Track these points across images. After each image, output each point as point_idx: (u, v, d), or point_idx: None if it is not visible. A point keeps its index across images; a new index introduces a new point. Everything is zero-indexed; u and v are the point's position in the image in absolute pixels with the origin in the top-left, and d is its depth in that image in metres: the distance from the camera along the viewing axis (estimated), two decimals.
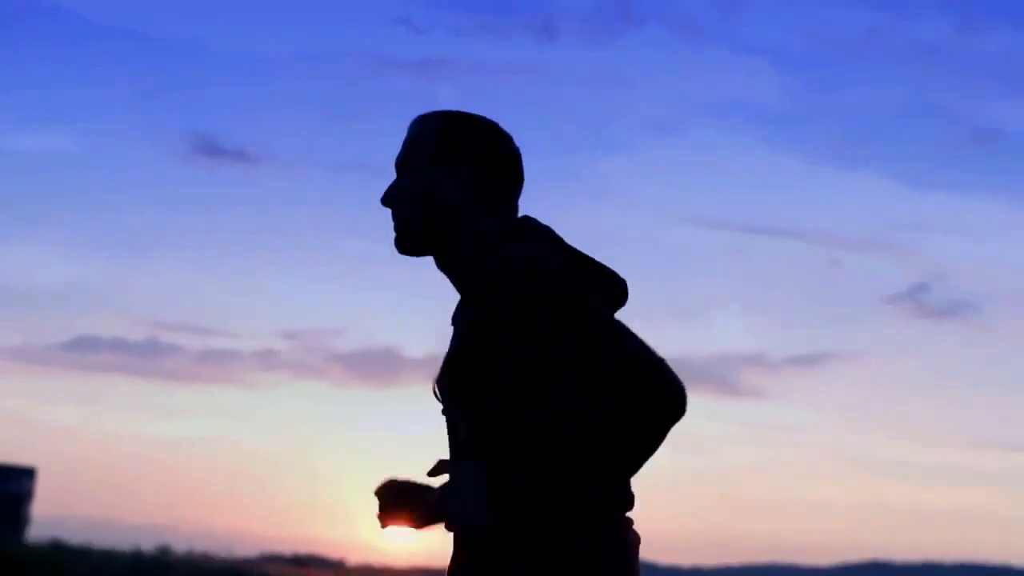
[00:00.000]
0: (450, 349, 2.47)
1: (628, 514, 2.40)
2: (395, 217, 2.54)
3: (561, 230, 2.52)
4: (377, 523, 2.56)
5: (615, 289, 2.49)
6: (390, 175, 2.57)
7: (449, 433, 2.49)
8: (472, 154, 2.50)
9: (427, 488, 2.51)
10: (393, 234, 2.55)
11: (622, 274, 2.50)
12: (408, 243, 2.53)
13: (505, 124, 2.56)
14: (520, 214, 2.55)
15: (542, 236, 2.45)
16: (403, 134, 2.59)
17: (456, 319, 2.51)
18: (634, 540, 2.40)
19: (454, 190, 2.49)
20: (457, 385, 2.41)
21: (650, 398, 2.27)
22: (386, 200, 2.55)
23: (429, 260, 2.55)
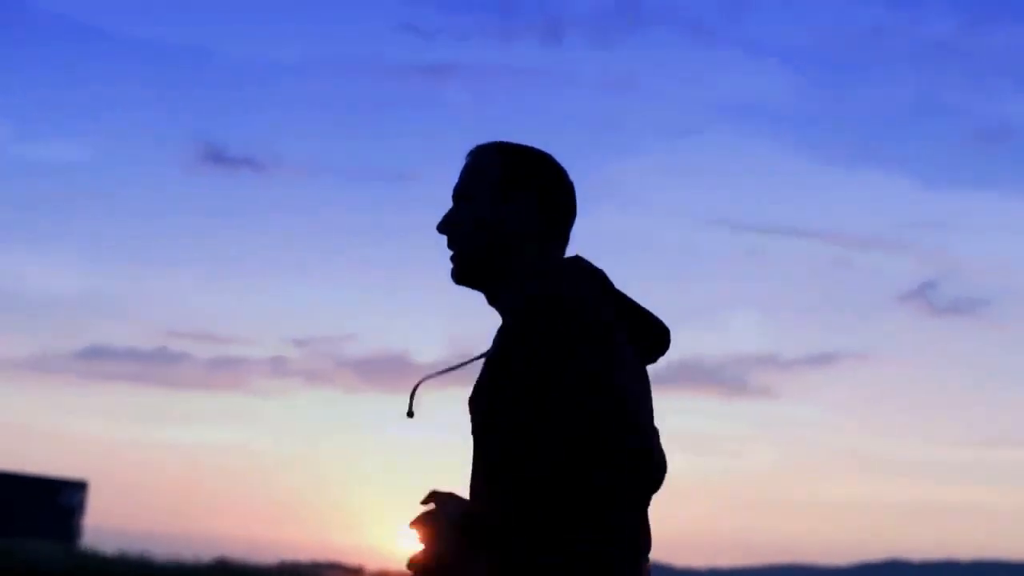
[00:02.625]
0: (480, 381, 2.37)
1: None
2: (453, 245, 2.45)
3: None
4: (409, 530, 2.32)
5: (655, 337, 2.41)
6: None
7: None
8: (533, 186, 2.43)
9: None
10: (450, 264, 2.46)
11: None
12: (469, 272, 2.44)
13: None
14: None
15: (587, 275, 2.37)
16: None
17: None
18: None
19: (516, 221, 2.42)
20: (474, 414, 2.33)
21: (632, 467, 2.15)
22: (443, 227, 2.46)
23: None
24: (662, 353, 2.42)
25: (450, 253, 2.46)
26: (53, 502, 39.74)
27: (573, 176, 2.49)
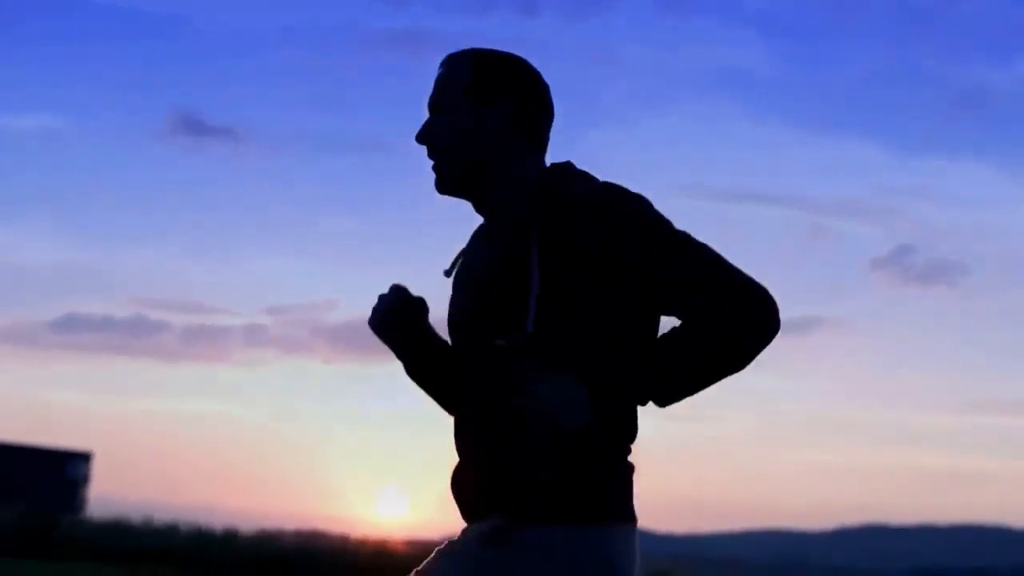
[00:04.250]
0: (478, 278, 2.36)
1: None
2: (434, 156, 2.40)
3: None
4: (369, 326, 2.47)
5: None
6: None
7: (467, 362, 2.38)
8: (507, 90, 2.38)
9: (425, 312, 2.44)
10: (432, 175, 2.41)
11: None
12: (451, 182, 2.40)
13: None
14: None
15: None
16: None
17: (476, 252, 2.41)
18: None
19: (493, 126, 2.37)
20: (507, 315, 2.27)
21: (753, 315, 2.22)
22: (421, 138, 2.42)
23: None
24: None
25: (431, 164, 2.41)
26: (59, 474, 39.66)
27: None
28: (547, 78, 2.43)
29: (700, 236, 2.27)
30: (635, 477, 2.31)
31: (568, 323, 2.24)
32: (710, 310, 2.22)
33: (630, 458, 2.31)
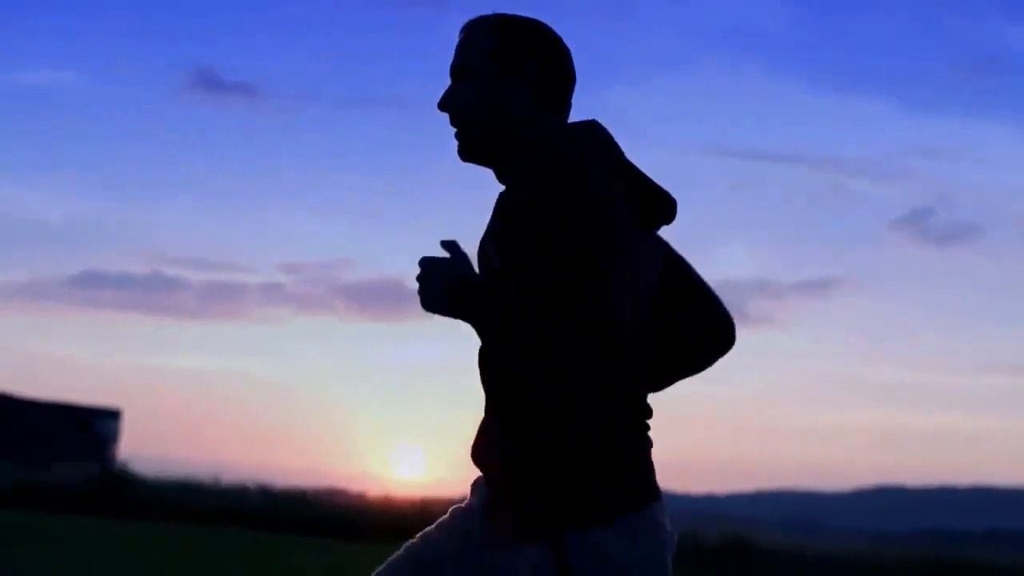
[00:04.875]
0: (483, 247, 2.31)
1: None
2: (456, 123, 2.35)
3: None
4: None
5: (664, 207, 2.32)
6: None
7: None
8: (529, 55, 2.33)
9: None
10: (455, 141, 2.35)
11: None
12: (473, 148, 2.35)
13: None
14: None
15: (597, 140, 2.25)
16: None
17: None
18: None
19: (515, 91, 2.32)
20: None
21: (707, 328, 2.29)
22: (444, 105, 2.36)
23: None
24: (667, 222, 2.35)
25: (454, 131, 2.35)
26: (87, 431, 39.88)
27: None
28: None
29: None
30: (652, 438, 2.25)
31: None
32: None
33: (649, 433, 2.25)
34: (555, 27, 2.38)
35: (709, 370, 2.45)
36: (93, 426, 40.27)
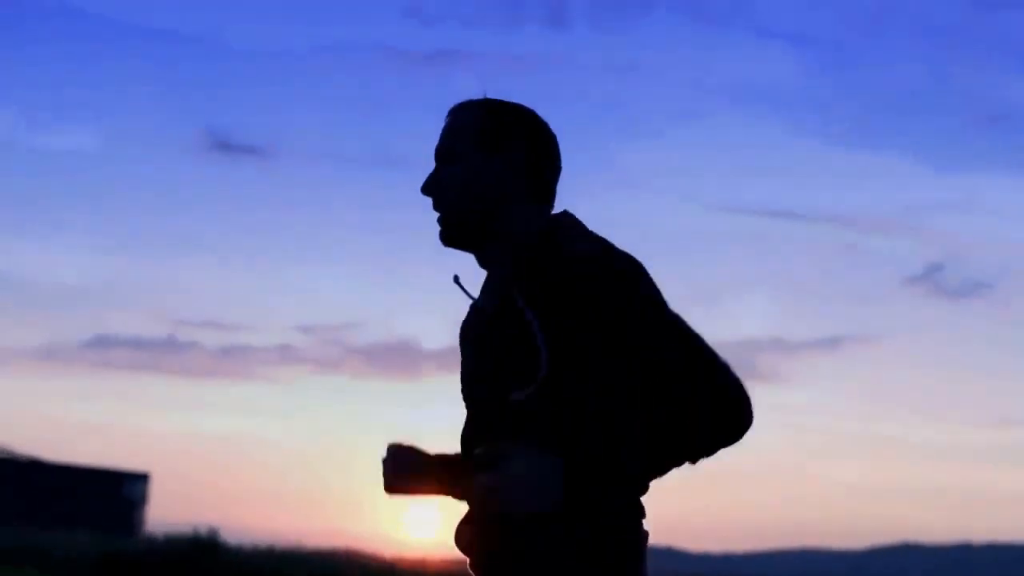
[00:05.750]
0: (484, 333, 2.23)
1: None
2: (439, 207, 2.27)
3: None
4: (385, 492, 2.28)
5: None
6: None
7: (473, 420, 2.26)
8: (516, 141, 2.25)
9: (442, 458, 2.27)
10: (437, 227, 2.28)
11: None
12: (455, 234, 2.27)
13: None
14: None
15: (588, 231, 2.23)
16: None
17: (483, 308, 2.26)
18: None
19: (503, 179, 2.24)
20: (516, 368, 2.15)
21: (727, 411, 2.12)
22: (428, 189, 2.28)
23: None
24: None
25: (436, 216, 2.28)
26: (116, 494, 39.78)
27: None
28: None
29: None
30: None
31: (555, 382, 2.11)
32: (686, 404, 2.10)
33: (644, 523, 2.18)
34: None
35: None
36: (122, 489, 40.16)
